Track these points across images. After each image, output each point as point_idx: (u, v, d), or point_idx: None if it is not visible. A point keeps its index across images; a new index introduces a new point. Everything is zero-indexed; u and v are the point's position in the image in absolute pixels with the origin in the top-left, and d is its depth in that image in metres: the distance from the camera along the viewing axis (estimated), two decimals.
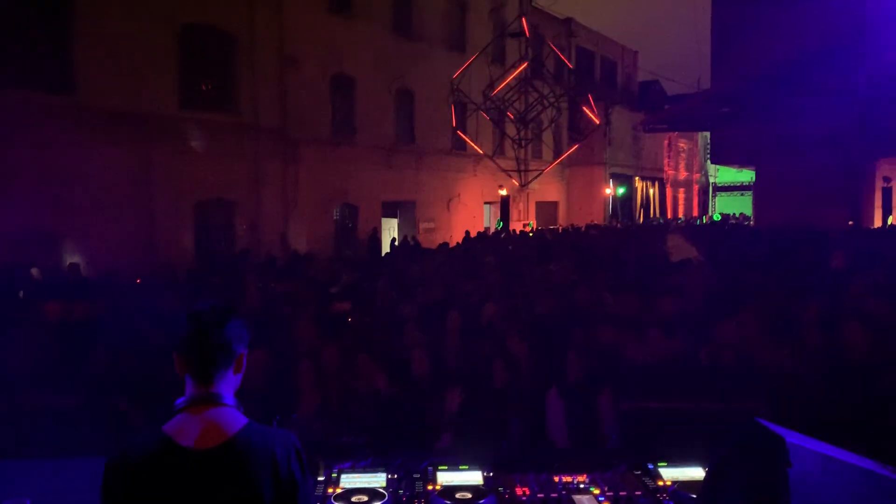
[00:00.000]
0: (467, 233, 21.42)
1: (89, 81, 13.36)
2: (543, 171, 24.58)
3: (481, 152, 22.89)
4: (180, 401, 1.98)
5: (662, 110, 35.38)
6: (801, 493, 1.95)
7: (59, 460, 3.48)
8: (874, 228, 20.94)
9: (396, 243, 20.43)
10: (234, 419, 1.97)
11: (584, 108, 22.66)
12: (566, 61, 26.04)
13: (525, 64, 21.00)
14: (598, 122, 23.81)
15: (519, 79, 22.56)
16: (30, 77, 12.68)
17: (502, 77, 21.20)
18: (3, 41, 12.21)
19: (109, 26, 13.52)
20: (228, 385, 2.02)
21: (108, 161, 13.60)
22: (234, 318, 2.05)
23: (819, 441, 2.32)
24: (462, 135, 22.49)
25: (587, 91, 23.58)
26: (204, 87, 16.05)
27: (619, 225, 26.95)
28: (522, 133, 23.44)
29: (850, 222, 20.87)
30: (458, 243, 18.61)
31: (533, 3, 29.21)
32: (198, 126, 15.59)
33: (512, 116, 22.27)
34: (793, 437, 2.19)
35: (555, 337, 5.84)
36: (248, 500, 1.88)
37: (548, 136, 28.35)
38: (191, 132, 15.42)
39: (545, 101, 23.09)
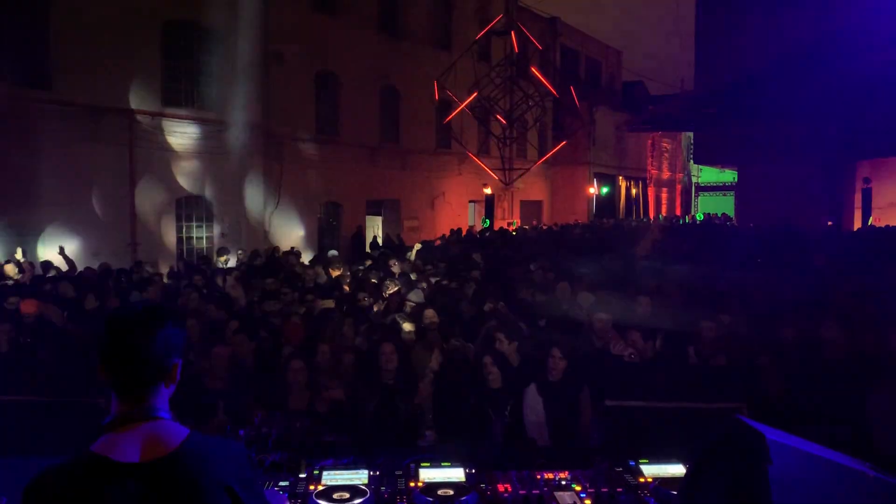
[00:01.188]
0: (452, 230, 21.41)
1: (70, 77, 13.20)
2: (528, 169, 24.65)
3: (467, 151, 22.90)
4: (107, 420, 1.75)
5: (646, 111, 35.58)
6: (781, 491, 1.96)
7: (37, 458, 3.45)
8: (855, 230, 21.19)
9: (379, 242, 20.40)
10: (174, 431, 1.76)
11: (572, 90, 22.75)
12: (551, 59, 26.09)
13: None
14: (580, 110, 23.94)
15: (504, 78, 22.60)
16: (9, 71, 12.53)
17: (488, 76, 21.23)
18: None
19: (91, 22, 13.38)
20: (161, 398, 1.79)
21: (89, 157, 13.47)
22: (164, 325, 1.78)
23: (800, 438, 2.33)
24: (453, 136, 22.52)
25: (571, 90, 23.60)
26: (187, 84, 15.91)
27: (607, 223, 27.05)
28: (507, 132, 23.50)
29: (830, 223, 21.12)
30: (442, 236, 18.61)
31: (518, 2, 29.24)
32: (180, 123, 15.47)
33: (498, 116, 22.31)
34: (773, 435, 2.20)
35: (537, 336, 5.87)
36: None
37: (532, 136, 28.44)
38: (173, 129, 15.31)
39: (530, 101, 23.16)
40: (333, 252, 15.06)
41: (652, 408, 4.19)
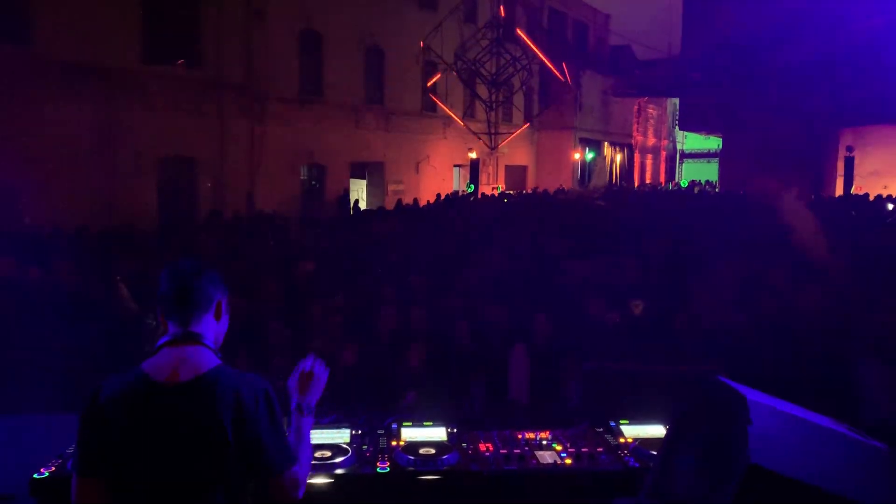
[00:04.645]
0: (438, 195, 21.33)
1: (48, 32, 12.83)
2: (514, 133, 24.51)
3: (452, 115, 22.69)
4: (162, 339, 2.07)
5: (633, 75, 35.35)
6: (761, 451, 1.97)
7: (11, 416, 3.43)
8: (836, 197, 21.33)
9: (361, 206, 20.27)
10: (208, 359, 2.06)
11: (552, 68, 22.51)
12: (538, 21, 25.77)
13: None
14: (568, 81, 23.74)
15: (491, 40, 22.32)
16: None
17: (474, 37, 20.94)
18: None
19: None
20: (208, 328, 2.12)
21: (68, 115, 13.17)
22: (210, 271, 2.17)
23: (779, 399, 2.35)
24: (434, 97, 22.26)
25: (559, 53, 23.40)
26: (168, 41, 15.53)
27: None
28: (493, 95, 23.29)
29: (812, 196, 21.24)
30: (427, 202, 18.54)
31: None
32: (161, 80, 15.16)
33: (484, 78, 22.08)
34: (754, 395, 2.21)
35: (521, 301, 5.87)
36: (208, 435, 1.94)
37: (518, 99, 28.21)
38: (154, 87, 15.00)
39: (517, 64, 22.93)
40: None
41: (631, 371, 4.22)
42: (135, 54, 14.59)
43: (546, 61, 23.57)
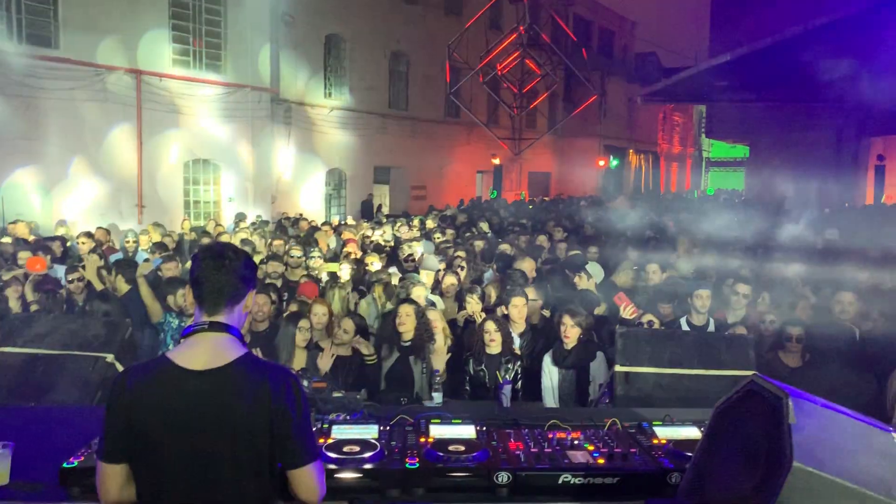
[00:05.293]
0: (461, 201, 21.32)
1: (78, 36, 13.06)
2: (537, 139, 24.44)
3: (476, 119, 22.67)
4: (188, 328, 2.07)
5: (659, 82, 35.12)
6: (803, 450, 1.91)
7: (42, 407, 3.45)
8: (868, 205, 20.97)
9: (385, 210, 20.30)
10: (234, 348, 2.05)
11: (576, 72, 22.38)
12: (567, 31, 25.71)
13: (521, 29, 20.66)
14: (591, 81, 23.62)
15: (516, 46, 22.29)
16: (18, 31, 12.40)
17: (499, 43, 20.92)
18: None
19: None
20: (235, 319, 2.11)
21: (97, 117, 13.39)
22: (245, 258, 2.15)
23: (822, 399, 2.28)
24: (462, 104, 22.25)
25: (584, 61, 23.31)
26: (196, 46, 15.72)
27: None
28: (518, 101, 23.25)
29: (847, 204, 20.88)
30: (447, 206, 18.50)
31: None
32: (189, 84, 15.33)
33: (508, 84, 22.05)
34: (797, 394, 2.14)
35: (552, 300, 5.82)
36: (236, 422, 1.94)
37: (543, 106, 28.13)
38: (182, 90, 15.17)
39: (542, 70, 22.88)
40: (340, 217, 15.01)
41: (664, 373, 4.14)
42: (163, 58, 14.77)
43: (571, 67, 23.45)
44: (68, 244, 9.08)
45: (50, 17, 12.92)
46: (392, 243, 9.80)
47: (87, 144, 13.33)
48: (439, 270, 7.17)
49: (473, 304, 5.69)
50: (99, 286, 6.42)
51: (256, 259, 7.81)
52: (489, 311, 5.60)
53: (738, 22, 24.55)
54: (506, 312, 5.27)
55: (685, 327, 5.40)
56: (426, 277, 6.90)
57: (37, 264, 6.68)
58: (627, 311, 5.25)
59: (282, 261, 7.51)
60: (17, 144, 12.11)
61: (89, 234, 8.87)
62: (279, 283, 6.85)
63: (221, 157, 16.36)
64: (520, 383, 4.73)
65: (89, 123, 13.28)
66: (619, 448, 2.80)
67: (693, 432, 3.01)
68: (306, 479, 2.02)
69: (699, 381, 3.99)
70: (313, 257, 7.76)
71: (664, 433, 3.00)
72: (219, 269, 2.08)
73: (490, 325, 4.88)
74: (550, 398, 4.73)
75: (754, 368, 4.03)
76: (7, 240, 9.43)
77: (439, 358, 4.96)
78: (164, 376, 1.98)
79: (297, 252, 7.57)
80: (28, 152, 12.29)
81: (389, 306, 5.98)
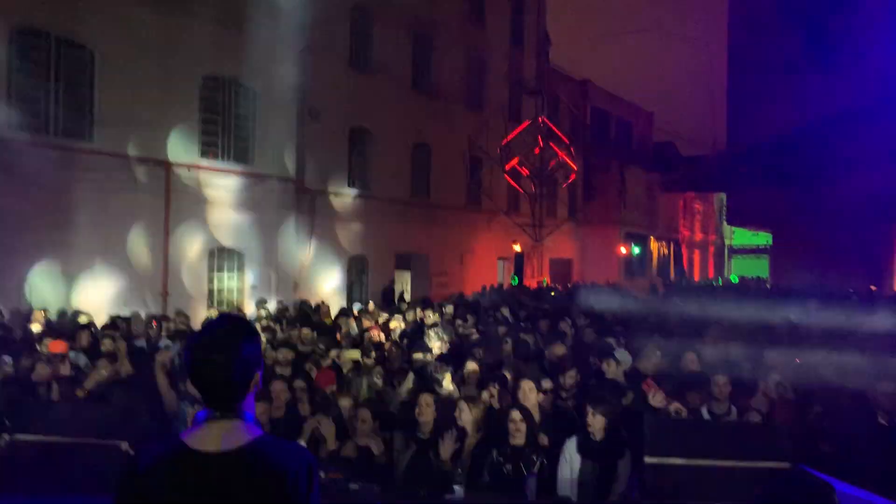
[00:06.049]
0: (483, 287, 21.30)
1: (111, 129, 13.54)
2: (557, 227, 24.59)
3: (497, 207, 22.93)
4: (201, 414, 1.98)
5: (677, 171, 35.54)
6: None
7: (62, 497, 3.36)
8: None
9: (406, 297, 20.30)
10: (249, 430, 1.97)
11: (559, 152, 22.63)
12: (581, 119, 26.30)
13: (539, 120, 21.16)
14: (574, 167, 23.93)
15: (535, 136, 22.80)
16: (54, 123, 12.92)
17: (519, 134, 21.39)
18: (27, 89, 12.46)
19: (131, 76, 13.76)
20: (246, 403, 2.01)
21: (126, 206, 13.71)
22: (242, 342, 1.97)
23: (867, 490, 2.13)
24: (483, 192, 22.59)
25: (602, 151, 23.73)
26: (223, 137, 16.24)
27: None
28: (537, 189, 23.56)
29: (873, 287, 20.54)
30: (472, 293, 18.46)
31: (550, 64, 29.72)
32: (216, 175, 15.74)
33: (527, 172, 22.41)
34: (841, 486, 2.01)
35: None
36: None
37: (563, 194, 28.48)
38: (209, 181, 15.57)
39: (559, 160, 23.29)
40: (361, 304, 15.02)
41: (695, 466, 3.94)
42: (191, 149, 15.22)
43: (581, 159, 23.83)
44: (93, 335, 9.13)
45: (87, 111, 13.47)
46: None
47: (115, 233, 13.60)
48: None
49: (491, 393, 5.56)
50: (126, 371, 6.40)
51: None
52: (513, 400, 5.46)
53: (756, 111, 24.94)
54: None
55: (706, 416, 5.21)
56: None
57: (58, 347, 6.72)
58: (657, 399, 5.08)
59: (295, 348, 7.46)
60: (46, 233, 12.38)
61: (114, 326, 8.96)
62: (288, 371, 6.67)
63: (246, 246, 16.59)
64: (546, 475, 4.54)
65: (117, 213, 13.59)
66: None
67: None
68: None
69: (733, 473, 3.80)
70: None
71: None
72: (222, 366, 1.93)
73: (516, 415, 4.74)
74: (567, 489, 4.51)
75: (790, 459, 3.84)
76: (36, 326, 9.54)
77: (462, 449, 4.80)
78: (176, 459, 1.92)
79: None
80: (56, 241, 12.55)
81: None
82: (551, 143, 23.42)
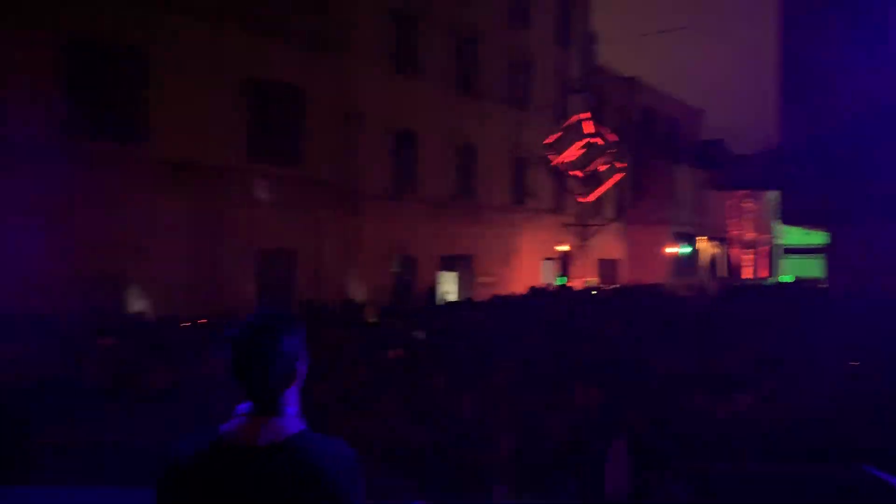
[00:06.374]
0: (532, 288, 21.12)
1: (161, 133, 13.85)
2: (604, 226, 24.28)
3: (542, 207, 22.75)
4: (241, 407, 1.95)
5: (727, 169, 34.76)
6: None
7: (104, 488, 3.39)
8: None
9: (450, 299, 20.30)
10: (290, 425, 1.93)
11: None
12: (629, 117, 25.94)
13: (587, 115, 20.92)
14: (621, 166, 23.51)
15: (581, 135, 22.55)
16: (104, 128, 13.25)
17: (565, 133, 21.19)
18: (81, 94, 12.81)
19: (182, 80, 14.06)
20: (289, 397, 1.97)
21: (176, 208, 13.97)
22: (289, 330, 1.96)
23: None
24: (529, 193, 22.44)
25: (650, 149, 23.35)
26: (271, 141, 16.46)
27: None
28: (584, 189, 23.31)
29: None
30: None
31: (596, 63, 29.38)
32: (264, 178, 15.96)
33: (573, 172, 22.18)
34: None
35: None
36: (287, 500, 1.85)
37: (610, 192, 28.09)
38: (257, 183, 15.79)
39: (606, 158, 22.99)
40: None
41: (752, 470, 3.80)
42: (240, 153, 15.47)
43: (633, 154, 23.48)
44: None
45: (138, 117, 13.80)
46: None
47: (165, 237, 13.88)
48: None
49: None
50: None
51: None
52: None
53: (811, 105, 24.17)
54: None
55: None
56: None
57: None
58: None
59: None
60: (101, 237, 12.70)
61: None
62: None
63: (295, 247, 16.78)
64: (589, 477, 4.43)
65: (168, 216, 13.87)
66: None
67: None
68: None
69: (795, 476, 3.65)
70: None
71: None
72: (264, 358, 1.91)
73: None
74: (619, 494, 4.40)
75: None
76: None
77: (504, 446, 4.73)
78: (214, 453, 1.89)
79: None
80: (109, 244, 12.86)
81: None
82: (598, 142, 23.10)
